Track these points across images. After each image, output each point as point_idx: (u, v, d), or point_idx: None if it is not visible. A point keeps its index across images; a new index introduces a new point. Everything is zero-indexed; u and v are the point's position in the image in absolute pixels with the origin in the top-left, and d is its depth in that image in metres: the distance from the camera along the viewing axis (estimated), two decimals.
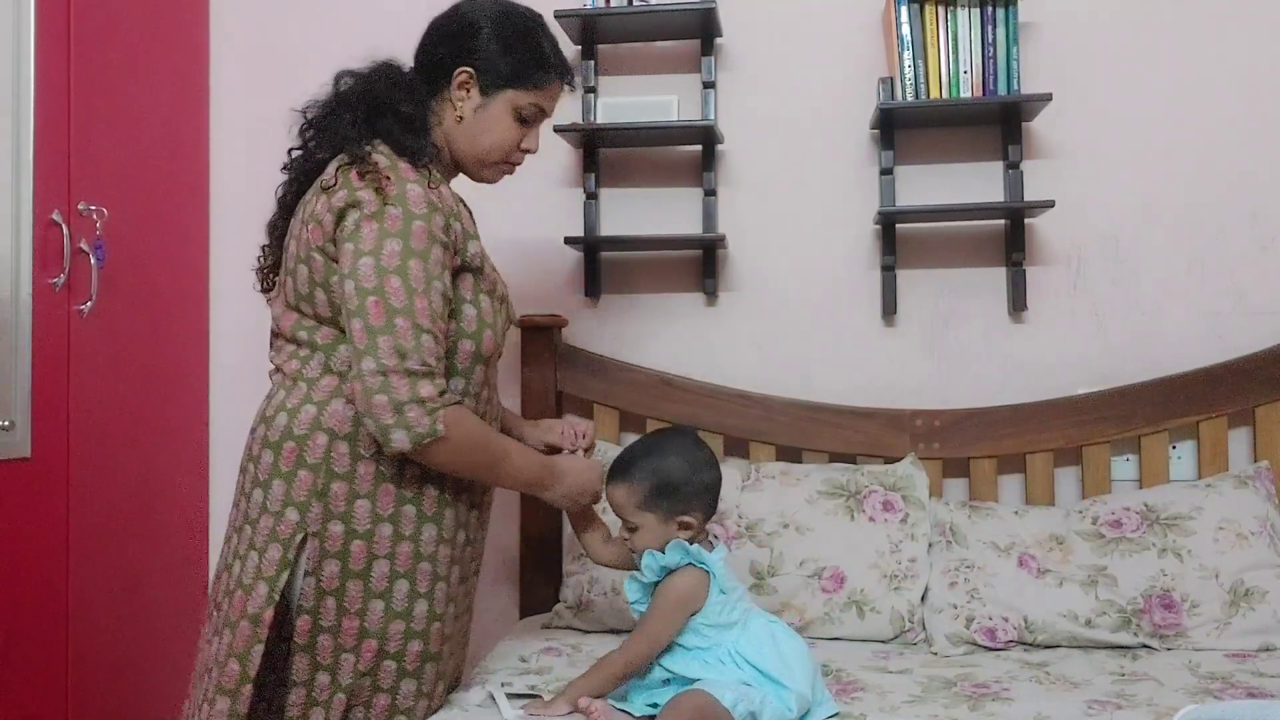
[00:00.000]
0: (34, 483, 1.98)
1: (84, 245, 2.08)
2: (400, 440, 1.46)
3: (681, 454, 1.56)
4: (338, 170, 1.57)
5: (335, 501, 1.54)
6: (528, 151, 1.74)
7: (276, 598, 1.52)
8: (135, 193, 2.28)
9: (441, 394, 1.49)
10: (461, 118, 1.67)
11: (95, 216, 2.11)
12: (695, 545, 1.52)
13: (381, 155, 1.57)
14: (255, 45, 2.63)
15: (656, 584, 1.53)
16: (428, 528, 1.58)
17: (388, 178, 1.53)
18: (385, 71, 1.67)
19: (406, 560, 1.56)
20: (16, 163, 1.94)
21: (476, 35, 1.66)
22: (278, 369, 1.65)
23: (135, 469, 2.27)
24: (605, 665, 1.52)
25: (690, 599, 1.50)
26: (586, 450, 1.82)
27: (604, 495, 1.64)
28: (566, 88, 1.75)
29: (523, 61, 1.66)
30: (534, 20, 1.71)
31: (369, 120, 1.61)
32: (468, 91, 1.66)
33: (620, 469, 1.57)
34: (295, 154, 1.70)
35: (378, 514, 1.55)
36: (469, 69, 1.65)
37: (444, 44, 1.68)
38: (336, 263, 1.54)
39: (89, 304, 2.09)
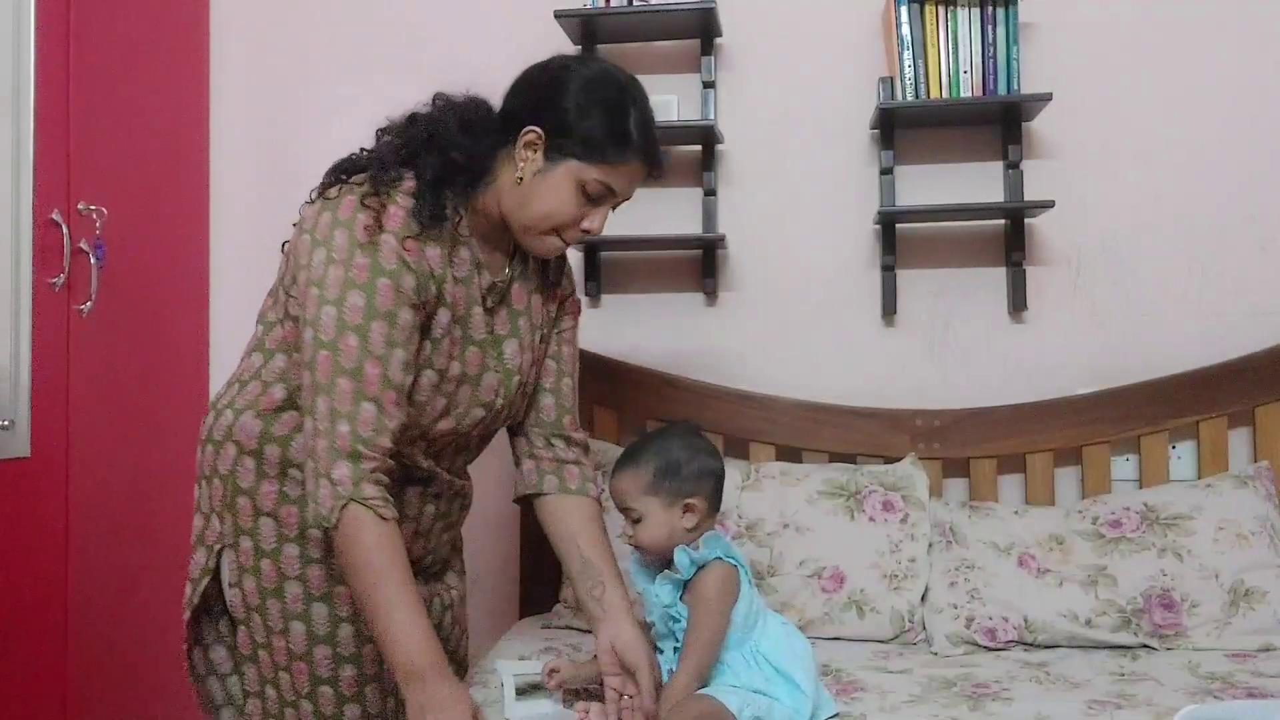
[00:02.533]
0: (34, 482, 1.98)
1: (84, 245, 2.08)
2: (311, 510, 1.38)
3: (683, 439, 1.55)
4: (343, 187, 1.48)
5: (243, 516, 1.49)
6: (587, 233, 1.53)
7: (195, 601, 1.50)
8: (135, 193, 2.28)
9: (358, 482, 1.35)
10: (521, 179, 1.49)
11: (95, 216, 2.11)
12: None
13: (402, 196, 1.46)
14: (255, 45, 2.62)
15: (685, 584, 1.49)
16: None
17: (379, 223, 1.42)
18: (467, 107, 1.55)
19: (320, 583, 1.50)
20: (16, 163, 1.94)
21: (555, 94, 1.48)
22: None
23: (135, 469, 2.27)
24: (677, 688, 1.42)
25: (729, 591, 1.47)
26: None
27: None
28: (648, 171, 1.53)
29: (595, 132, 1.46)
30: (627, 90, 1.50)
31: (416, 152, 1.50)
32: (533, 152, 1.48)
33: (624, 458, 1.55)
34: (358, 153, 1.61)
35: (283, 534, 1.49)
36: (537, 129, 1.47)
37: (523, 95, 1.53)
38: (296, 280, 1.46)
39: (89, 304, 2.09)
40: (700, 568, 1.48)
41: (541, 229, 1.51)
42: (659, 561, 1.53)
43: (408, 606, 1.35)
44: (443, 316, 1.49)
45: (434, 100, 1.56)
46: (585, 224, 1.52)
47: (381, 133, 1.56)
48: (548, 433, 1.69)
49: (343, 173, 1.53)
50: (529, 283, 1.65)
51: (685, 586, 1.49)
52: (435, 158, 1.49)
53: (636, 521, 1.52)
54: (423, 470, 1.56)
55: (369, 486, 1.36)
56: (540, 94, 1.50)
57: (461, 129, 1.51)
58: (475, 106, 1.55)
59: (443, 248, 1.49)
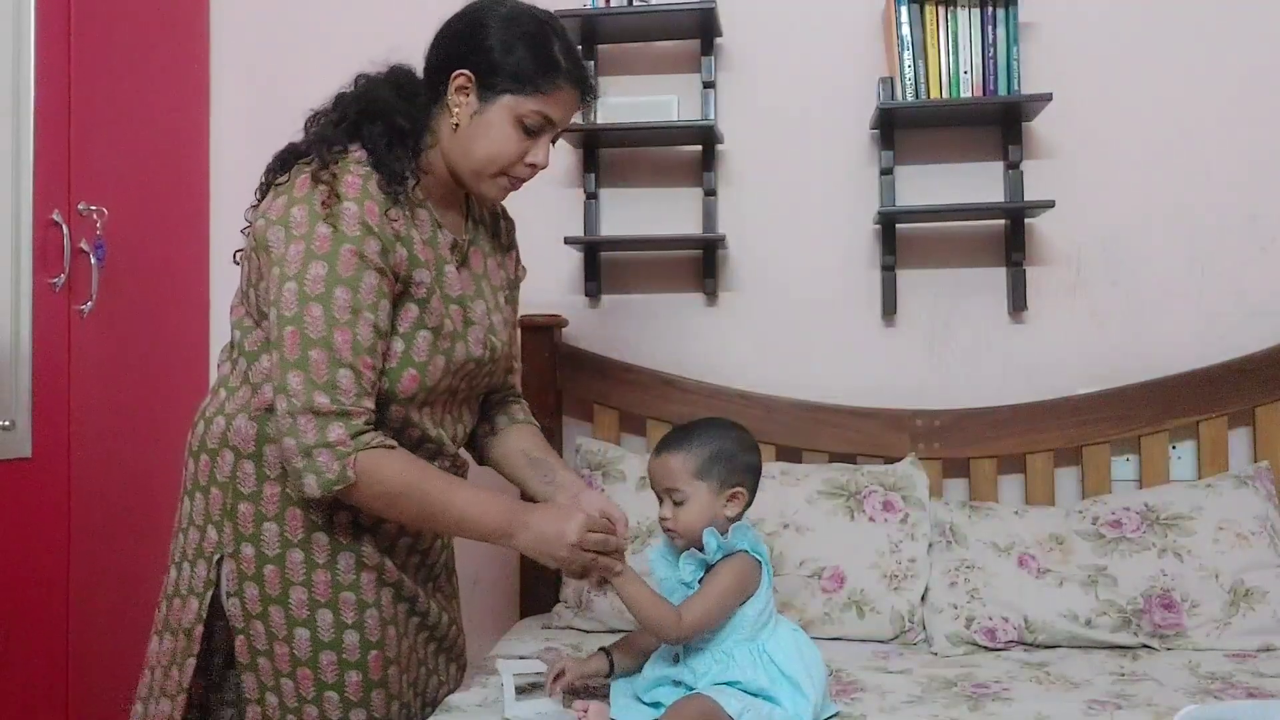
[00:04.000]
0: (34, 482, 1.98)
1: (84, 245, 2.08)
2: (310, 486, 1.39)
3: (734, 431, 1.57)
4: (292, 171, 1.50)
5: (244, 523, 1.49)
6: (533, 166, 1.55)
7: (205, 614, 1.50)
8: (135, 193, 2.28)
9: (357, 435, 1.40)
10: (458, 125, 1.52)
11: (95, 216, 2.11)
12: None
13: (354, 165, 1.48)
14: (255, 45, 2.62)
15: (708, 568, 1.50)
16: (343, 556, 1.51)
17: (336, 193, 1.43)
18: (394, 75, 1.58)
19: (325, 589, 1.50)
20: (16, 163, 1.94)
21: (477, 35, 1.51)
22: (219, 366, 1.64)
23: (135, 468, 2.27)
24: (662, 604, 1.46)
25: (747, 583, 1.48)
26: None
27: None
28: (581, 96, 1.57)
29: (523, 64, 1.49)
30: (546, 22, 1.54)
31: (358, 124, 1.52)
32: (465, 96, 1.51)
33: (675, 439, 1.54)
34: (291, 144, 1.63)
35: (287, 539, 1.49)
36: (466, 71, 1.50)
37: (446, 45, 1.55)
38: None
39: (89, 304, 2.09)
40: (727, 555, 1.48)
41: (490, 172, 1.54)
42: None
43: (460, 489, 1.48)
44: (422, 276, 1.51)
45: (356, 81, 1.59)
46: (529, 158, 1.54)
47: (310, 122, 1.58)
48: (506, 395, 1.80)
49: (284, 164, 1.55)
50: (483, 246, 1.69)
51: (708, 570, 1.49)
52: (377, 124, 1.52)
53: (679, 504, 1.51)
54: (432, 442, 1.57)
55: (366, 435, 1.41)
56: (463, 39, 1.53)
57: (395, 93, 1.55)
58: (401, 72, 1.59)
59: (404, 210, 1.51)
